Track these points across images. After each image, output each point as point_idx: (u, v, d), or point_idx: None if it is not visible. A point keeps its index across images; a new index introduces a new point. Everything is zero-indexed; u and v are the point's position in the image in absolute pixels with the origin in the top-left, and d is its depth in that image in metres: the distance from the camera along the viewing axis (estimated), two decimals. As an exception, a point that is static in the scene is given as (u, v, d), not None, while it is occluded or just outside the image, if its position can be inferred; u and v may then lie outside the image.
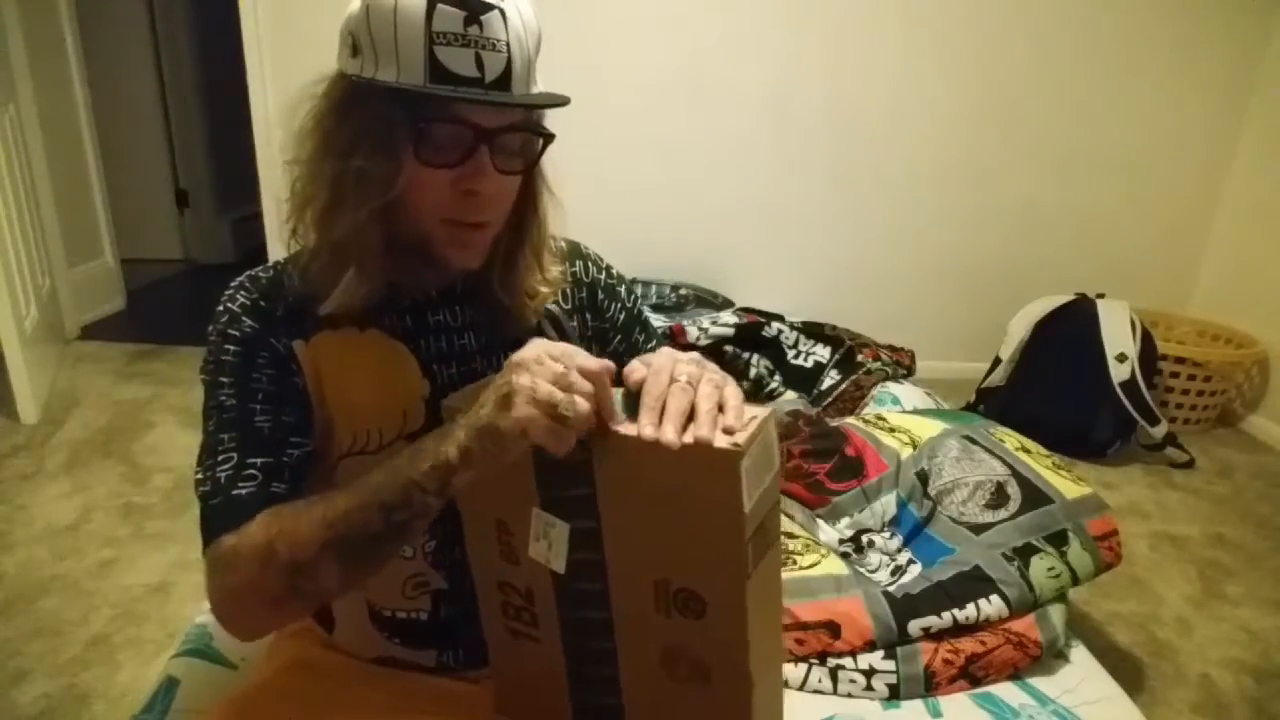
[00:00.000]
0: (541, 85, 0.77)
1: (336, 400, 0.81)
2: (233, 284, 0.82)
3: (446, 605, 0.87)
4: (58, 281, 3.17)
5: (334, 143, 0.74)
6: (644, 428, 0.62)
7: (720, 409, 0.63)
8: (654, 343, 0.99)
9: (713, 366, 0.68)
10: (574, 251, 0.96)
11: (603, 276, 0.97)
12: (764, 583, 0.70)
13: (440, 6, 0.69)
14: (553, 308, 0.91)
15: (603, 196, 3.01)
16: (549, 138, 0.79)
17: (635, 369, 0.67)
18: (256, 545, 0.70)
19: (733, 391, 0.65)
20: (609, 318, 0.96)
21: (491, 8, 0.71)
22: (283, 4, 2.83)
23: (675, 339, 2.26)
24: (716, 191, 3.08)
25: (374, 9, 0.70)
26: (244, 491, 0.74)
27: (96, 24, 3.66)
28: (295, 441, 0.78)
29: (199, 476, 0.76)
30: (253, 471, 0.75)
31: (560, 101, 0.74)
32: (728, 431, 0.62)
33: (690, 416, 0.62)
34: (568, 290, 0.93)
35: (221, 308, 0.80)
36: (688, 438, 0.61)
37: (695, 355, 0.69)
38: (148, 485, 2.26)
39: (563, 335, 0.91)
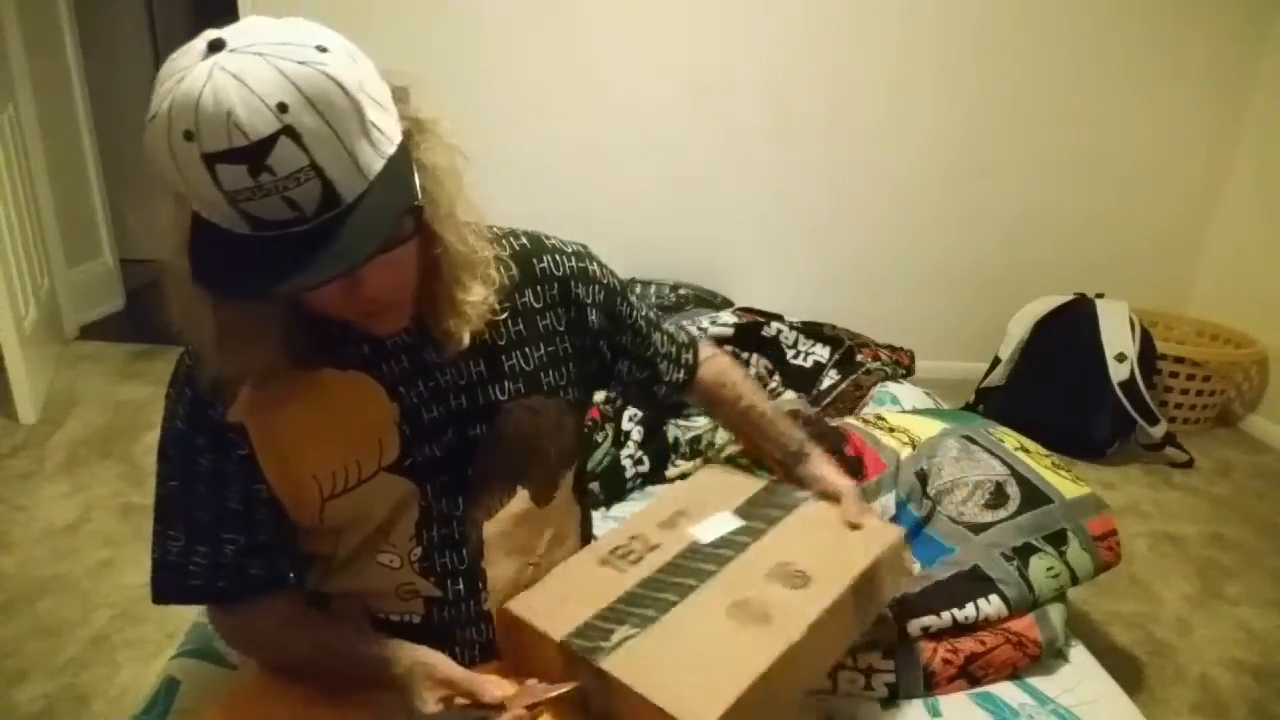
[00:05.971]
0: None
1: (300, 451, 0.79)
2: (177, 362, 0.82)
3: (438, 610, 0.87)
4: (57, 281, 3.17)
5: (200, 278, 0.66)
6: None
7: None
8: (639, 313, 1.00)
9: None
10: (538, 247, 0.91)
11: (574, 264, 0.93)
12: (807, 654, 0.84)
13: (220, 167, 0.58)
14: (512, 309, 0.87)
15: (603, 196, 3.01)
16: (414, 207, 0.68)
17: (841, 489, 1.06)
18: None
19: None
20: (588, 304, 0.93)
21: (275, 138, 0.57)
22: (282, 5, 2.83)
23: None
24: (716, 191, 3.07)
25: (163, 168, 0.60)
26: (194, 584, 0.81)
27: (96, 24, 3.65)
28: (229, 538, 0.80)
29: (155, 534, 0.83)
30: (199, 562, 0.81)
31: (379, 239, 0.62)
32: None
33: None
34: (538, 288, 0.90)
35: (172, 378, 0.83)
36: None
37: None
38: (147, 485, 2.24)
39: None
